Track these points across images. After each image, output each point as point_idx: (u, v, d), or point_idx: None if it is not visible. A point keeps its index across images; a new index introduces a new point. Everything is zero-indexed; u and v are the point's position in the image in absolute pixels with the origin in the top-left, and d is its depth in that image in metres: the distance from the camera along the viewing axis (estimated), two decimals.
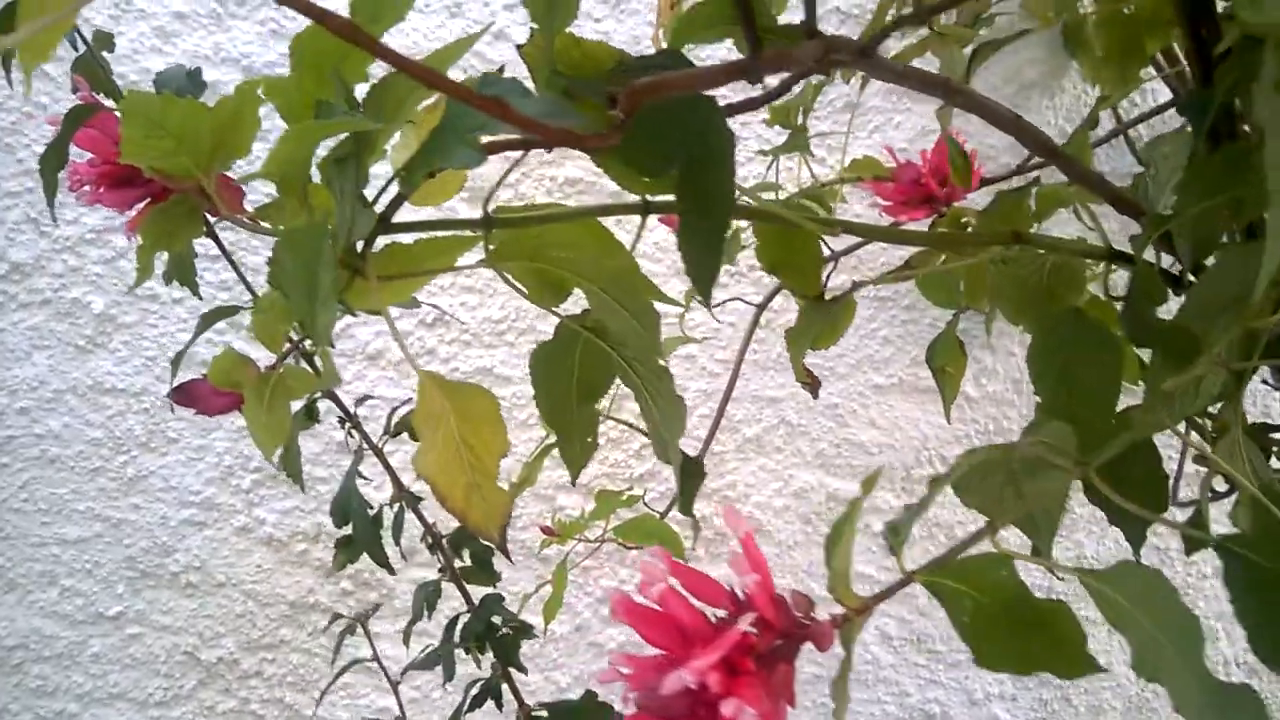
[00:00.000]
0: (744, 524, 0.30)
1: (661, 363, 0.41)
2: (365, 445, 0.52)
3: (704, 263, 0.31)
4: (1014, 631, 0.28)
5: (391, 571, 0.55)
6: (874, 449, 1.02)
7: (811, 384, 0.60)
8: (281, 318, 0.43)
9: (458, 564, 0.55)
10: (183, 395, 0.46)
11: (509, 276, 0.44)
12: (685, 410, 0.42)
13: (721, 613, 0.29)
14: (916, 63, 0.49)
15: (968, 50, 0.81)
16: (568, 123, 0.24)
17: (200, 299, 0.60)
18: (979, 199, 0.76)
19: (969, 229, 0.72)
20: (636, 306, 0.41)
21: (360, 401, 0.55)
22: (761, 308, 0.79)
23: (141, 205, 0.48)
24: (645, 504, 0.82)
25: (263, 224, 0.48)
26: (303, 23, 0.89)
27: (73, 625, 0.94)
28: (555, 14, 0.36)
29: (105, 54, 0.57)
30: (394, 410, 0.55)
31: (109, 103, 0.53)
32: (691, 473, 0.43)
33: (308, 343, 0.49)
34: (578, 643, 0.96)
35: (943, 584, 0.29)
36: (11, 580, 0.92)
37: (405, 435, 0.56)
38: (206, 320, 0.51)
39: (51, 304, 0.91)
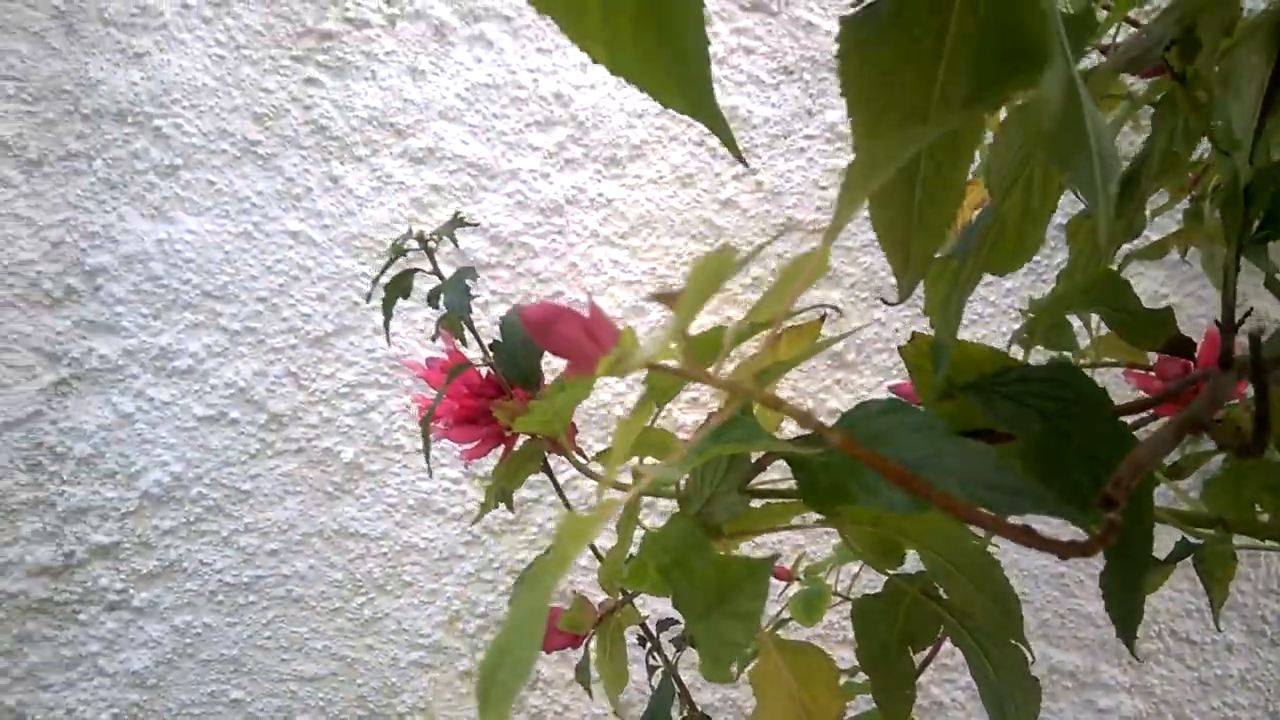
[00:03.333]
0: None
1: (1017, 646, 0.42)
2: (664, 666, 0.53)
3: (1129, 608, 0.31)
4: None
5: None
6: (1101, 620, 0.98)
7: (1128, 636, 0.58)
8: (617, 571, 0.45)
9: None
10: None
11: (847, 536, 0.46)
12: (1040, 694, 0.41)
13: None
14: None
15: None
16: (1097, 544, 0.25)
17: (510, 508, 0.63)
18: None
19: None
20: (994, 589, 0.41)
21: (665, 626, 0.56)
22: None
23: (480, 442, 0.51)
24: None
25: (591, 466, 0.50)
26: (542, 192, 0.92)
27: None
28: (951, 316, 0.37)
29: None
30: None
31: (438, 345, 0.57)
32: None
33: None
34: None
35: None
36: (250, 714, 0.97)
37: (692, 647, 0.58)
38: (533, 564, 0.54)
39: (305, 452, 0.97)
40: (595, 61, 0.26)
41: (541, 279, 0.98)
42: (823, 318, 0.52)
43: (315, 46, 0.95)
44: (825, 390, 0.97)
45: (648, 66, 0.26)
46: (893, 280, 1.00)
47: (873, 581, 0.98)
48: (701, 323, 0.97)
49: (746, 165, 0.36)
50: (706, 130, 0.99)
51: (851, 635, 0.96)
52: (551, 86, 0.97)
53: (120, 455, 0.95)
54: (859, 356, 0.98)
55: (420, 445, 0.97)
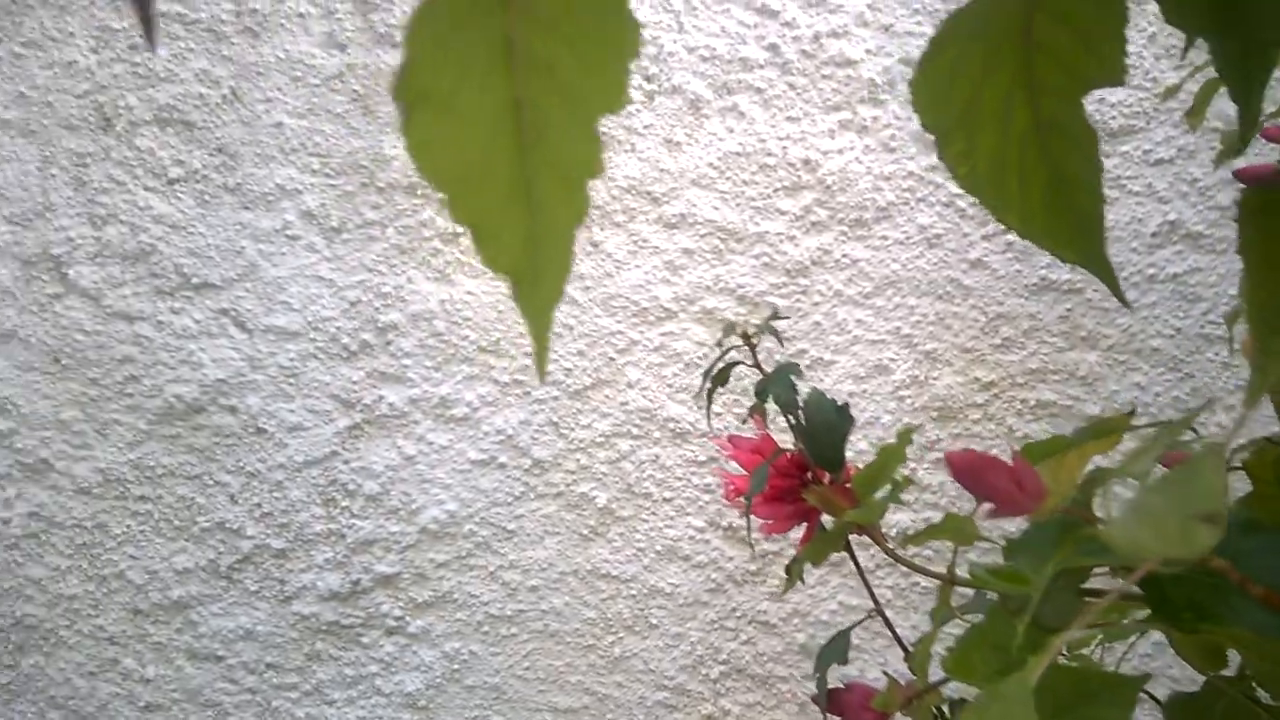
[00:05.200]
0: None
1: None
2: None
3: None
4: None
5: None
6: None
7: None
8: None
9: None
10: (835, 702, 0.51)
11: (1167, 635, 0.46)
12: None
13: None
14: None
15: None
16: None
17: (803, 582, 0.67)
18: None
19: None
20: None
21: (957, 706, 0.58)
22: None
23: (782, 519, 0.55)
24: None
25: (898, 551, 0.53)
26: (788, 253, 0.94)
27: None
28: None
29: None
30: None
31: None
32: None
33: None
34: None
35: None
36: None
37: None
38: (839, 639, 0.56)
39: (563, 496, 1.04)
40: (1007, 228, 0.30)
41: (785, 338, 1.02)
42: (1131, 412, 0.52)
43: None
44: None
45: (1053, 229, 0.29)
46: (1152, 343, 0.97)
47: (1127, 654, 0.95)
48: (949, 383, 0.97)
49: (1129, 307, 0.37)
50: (956, 191, 0.99)
51: None
52: (800, 153, 1.01)
53: (403, 493, 1.04)
54: None
55: (668, 495, 1.02)
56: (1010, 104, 0.26)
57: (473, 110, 0.18)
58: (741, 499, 0.55)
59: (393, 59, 1.03)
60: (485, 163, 0.19)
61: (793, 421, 0.54)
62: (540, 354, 0.22)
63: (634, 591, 1.03)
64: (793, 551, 1.02)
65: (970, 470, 0.27)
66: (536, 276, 0.21)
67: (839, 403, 0.54)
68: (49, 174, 1.06)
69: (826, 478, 0.54)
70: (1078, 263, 0.30)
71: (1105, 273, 0.30)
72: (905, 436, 0.51)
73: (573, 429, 1.04)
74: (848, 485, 0.53)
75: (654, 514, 1.03)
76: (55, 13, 1.06)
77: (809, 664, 1.01)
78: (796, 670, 1.01)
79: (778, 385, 0.50)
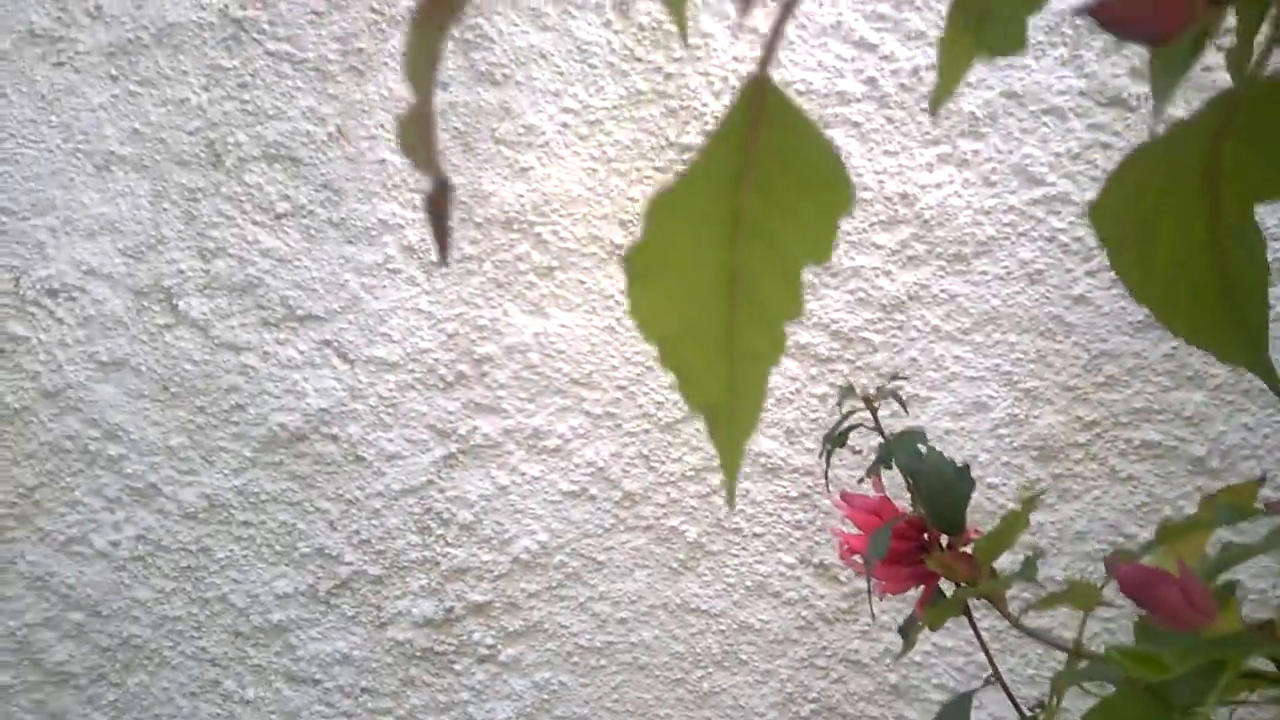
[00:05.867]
0: None
1: None
2: None
3: None
4: None
5: None
6: None
7: None
8: None
9: None
10: None
11: None
12: None
13: None
14: None
15: None
16: None
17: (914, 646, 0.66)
18: None
19: None
20: None
21: None
22: None
23: (899, 580, 0.54)
24: None
25: (1020, 620, 0.52)
26: (884, 288, 0.93)
27: None
28: None
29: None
30: None
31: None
32: None
33: None
34: None
35: None
36: None
37: None
38: (960, 703, 0.56)
39: (653, 529, 1.04)
40: (1175, 334, 0.29)
41: (880, 373, 1.01)
42: (1262, 480, 0.51)
43: (676, 158, 1.04)
44: (1185, 498, 0.93)
45: (1222, 336, 0.29)
46: (1260, 383, 0.94)
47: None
48: (1050, 422, 0.95)
49: None
50: (1059, 225, 0.97)
51: None
52: (897, 187, 1.00)
53: (496, 523, 1.06)
54: (1223, 464, 0.93)
55: (759, 530, 1.02)
56: (1187, 222, 0.26)
57: (693, 275, 0.18)
58: (856, 558, 0.55)
59: (493, 97, 1.05)
60: (698, 320, 0.19)
61: (911, 483, 0.53)
62: (730, 484, 0.22)
63: (723, 627, 1.03)
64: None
65: (1140, 586, 0.27)
66: (732, 414, 0.21)
67: (958, 464, 0.53)
68: (161, 208, 1.10)
69: (945, 540, 0.54)
70: (1242, 365, 0.30)
71: (1269, 376, 0.30)
72: (1030, 503, 0.50)
73: (663, 462, 1.04)
74: (967, 549, 0.53)
75: (744, 549, 1.03)
76: (169, 52, 1.10)
77: (901, 704, 1.00)
78: (889, 711, 1.00)
79: (904, 452, 0.50)
